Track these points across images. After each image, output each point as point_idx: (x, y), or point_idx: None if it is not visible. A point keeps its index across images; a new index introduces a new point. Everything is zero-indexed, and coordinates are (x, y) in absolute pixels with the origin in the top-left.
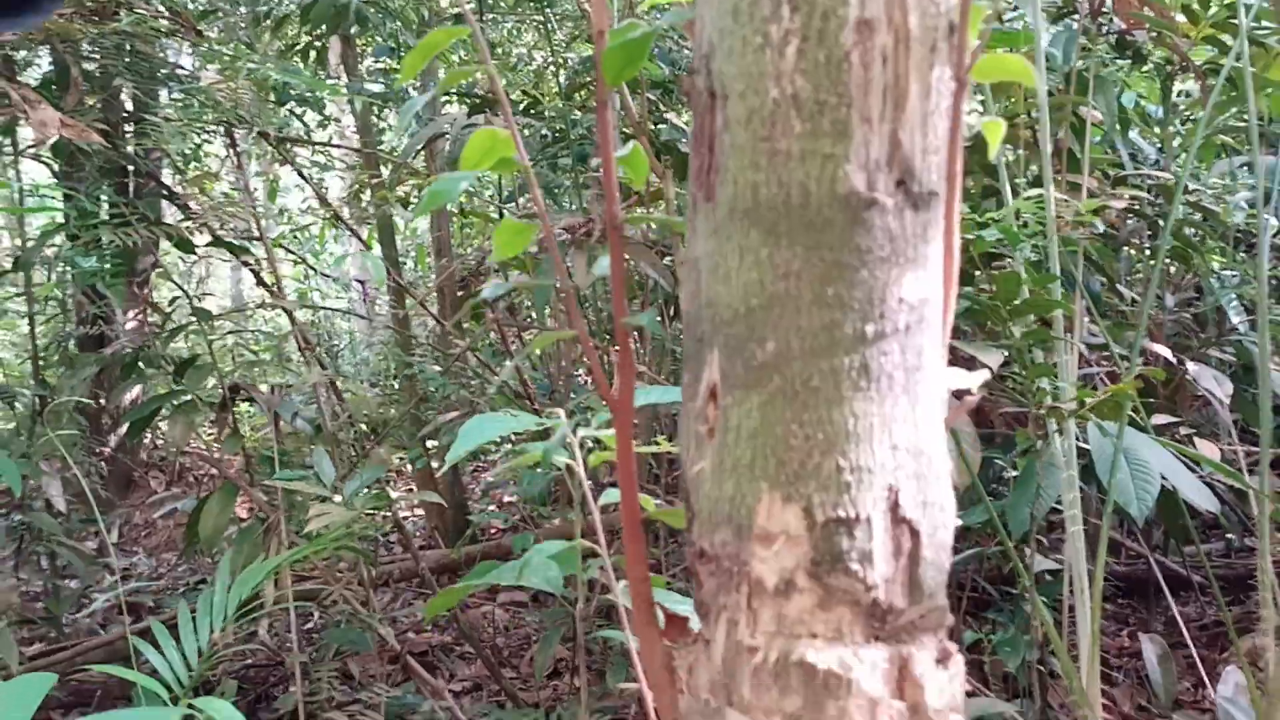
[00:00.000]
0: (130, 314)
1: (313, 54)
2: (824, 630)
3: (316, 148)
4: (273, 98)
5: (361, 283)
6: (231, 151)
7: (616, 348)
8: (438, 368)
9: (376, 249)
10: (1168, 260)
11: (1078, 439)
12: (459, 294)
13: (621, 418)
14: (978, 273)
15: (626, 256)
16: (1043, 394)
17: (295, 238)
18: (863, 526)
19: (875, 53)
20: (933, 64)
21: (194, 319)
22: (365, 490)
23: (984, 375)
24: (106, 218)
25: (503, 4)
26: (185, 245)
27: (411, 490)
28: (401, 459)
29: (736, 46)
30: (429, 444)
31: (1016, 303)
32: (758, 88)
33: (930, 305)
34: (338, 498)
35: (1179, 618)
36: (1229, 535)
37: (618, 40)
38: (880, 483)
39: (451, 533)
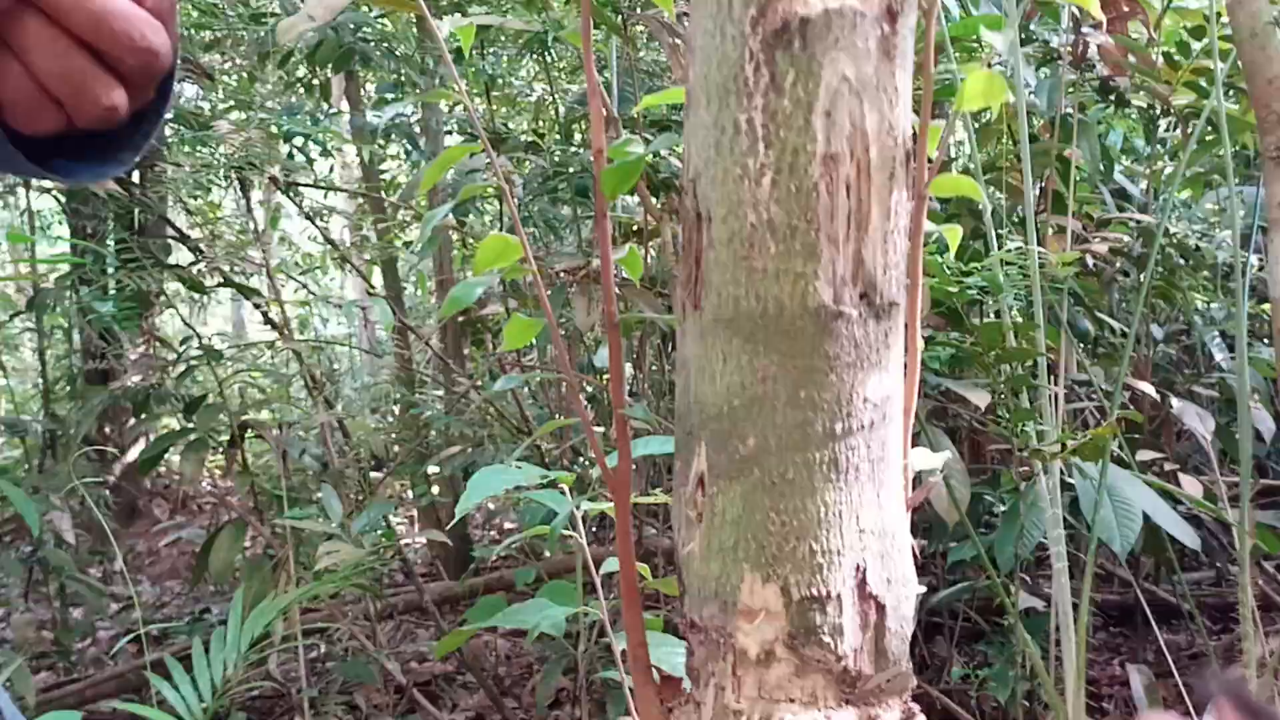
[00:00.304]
0: (136, 344)
1: (316, 86)
2: (801, 695)
3: (323, 188)
4: (275, 130)
5: (363, 308)
6: (243, 197)
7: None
8: (440, 399)
9: (376, 273)
10: (1155, 294)
11: (1063, 474)
12: (459, 319)
13: (620, 497)
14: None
15: (623, 297)
16: (1027, 436)
17: (297, 264)
18: (834, 603)
19: (840, 182)
20: (892, 190)
21: (202, 354)
22: (373, 530)
23: (945, 456)
24: (116, 255)
25: (503, 38)
26: (196, 286)
27: (413, 518)
28: (403, 483)
29: (719, 176)
30: (431, 471)
31: (999, 351)
32: (738, 213)
33: (892, 402)
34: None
35: (1166, 647)
36: (1219, 564)
37: (618, 156)
38: (849, 563)
39: (453, 561)
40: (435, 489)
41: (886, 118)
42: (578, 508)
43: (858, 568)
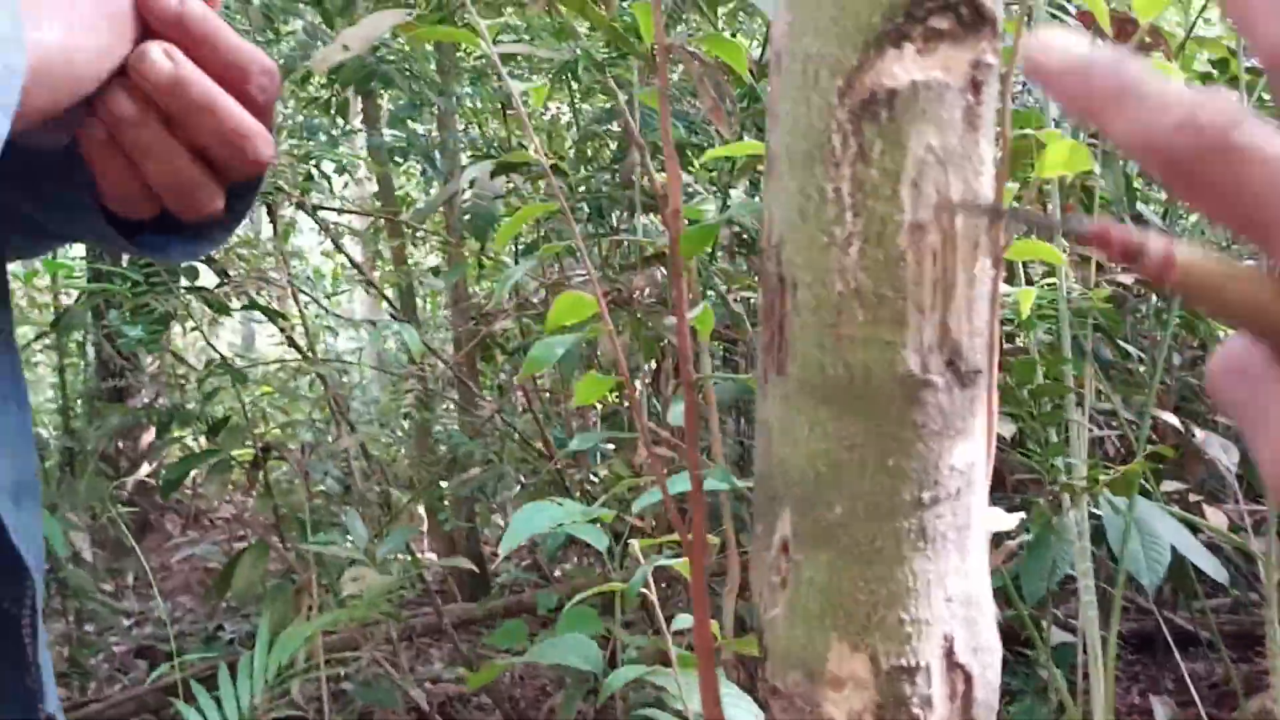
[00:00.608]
0: (151, 359)
1: (334, 104)
2: None
3: (348, 211)
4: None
5: (373, 322)
6: (269, 220)
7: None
8: (455, 418)
9: (389, 290)
10: (1178, 322)
11: (1089, 505)
12: (471, 321)
13: (696, 559)
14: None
15: (645, 322)
16: (1057, 471)
17: (309, 279)
18: (923, 673)
19: (926, 251)
20: (976, 257)
21: (221, 371)
22: (397, 557)
23: (1019, 516)
24: (143, 277)
25: (519, 59)
26: (221, 308)
27: (423, 531)
28: (416, 501)
29: (804, 242)
30: (444, 489)
31: (1031, 386)
32: (824, 280)
33: (977, 468)
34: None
35: (1188, 676)
36: (1235, 591)
37: (693, 215)
38: (937, 633)
39: (468, 579)
40: (445, 502)
41: (971, 186)
42: (620, 547)
43: (945, 637)
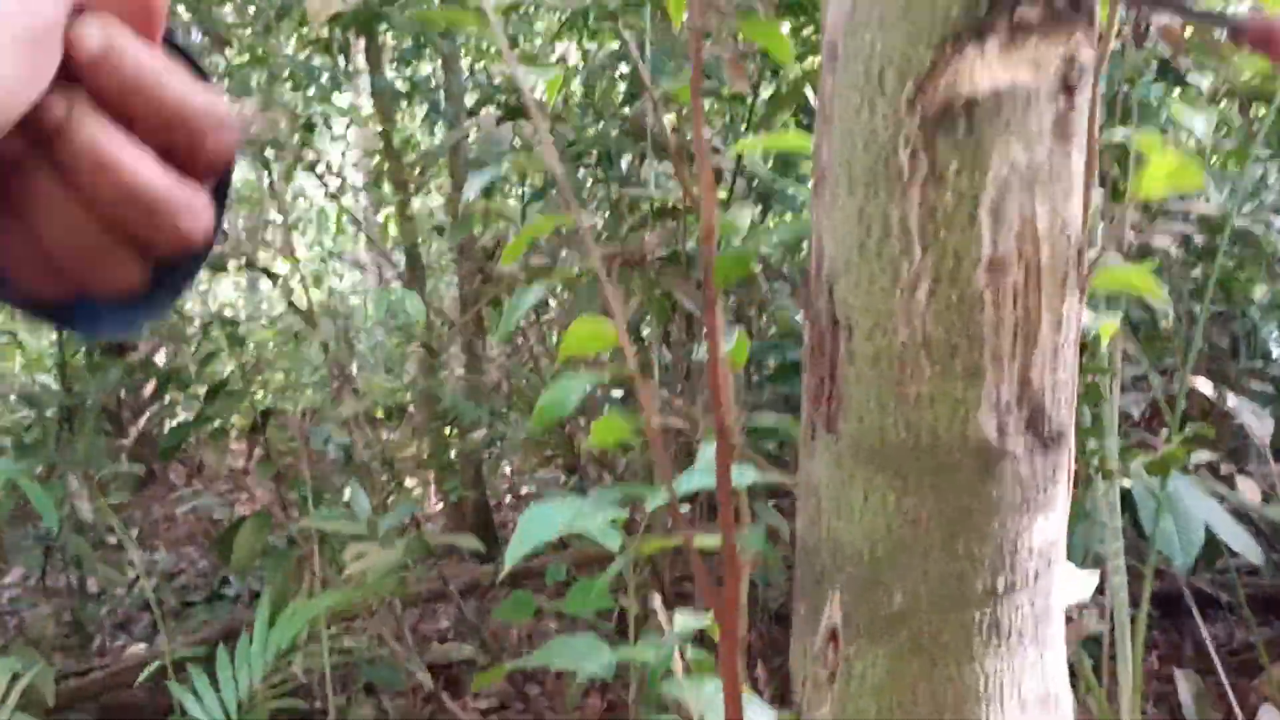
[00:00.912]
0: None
1: (335, 43)
2: None
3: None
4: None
5: (379, 266)
6: (269, 182)
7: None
8: (460, 378)
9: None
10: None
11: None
12: (478, 272)
13: (728, 625)
14: None
15: (656, 283)
16: (1092, 453)
17: (311, 221)
18: None
19: (1007, 290)
20: (1064, 296)
21: (222, 327)
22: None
23: (1094, 576)
24: None
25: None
26: (219, 266)
27: (427, 481)
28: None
29: (863, 280)
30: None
31: None
32: (886, 327)
33: (1057, 547)
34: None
35: (1209, 641)
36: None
37: (728, 230)
38: None
39: (475, 530)
40: (453, 457)
41: (1060, 212)
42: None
43: None
